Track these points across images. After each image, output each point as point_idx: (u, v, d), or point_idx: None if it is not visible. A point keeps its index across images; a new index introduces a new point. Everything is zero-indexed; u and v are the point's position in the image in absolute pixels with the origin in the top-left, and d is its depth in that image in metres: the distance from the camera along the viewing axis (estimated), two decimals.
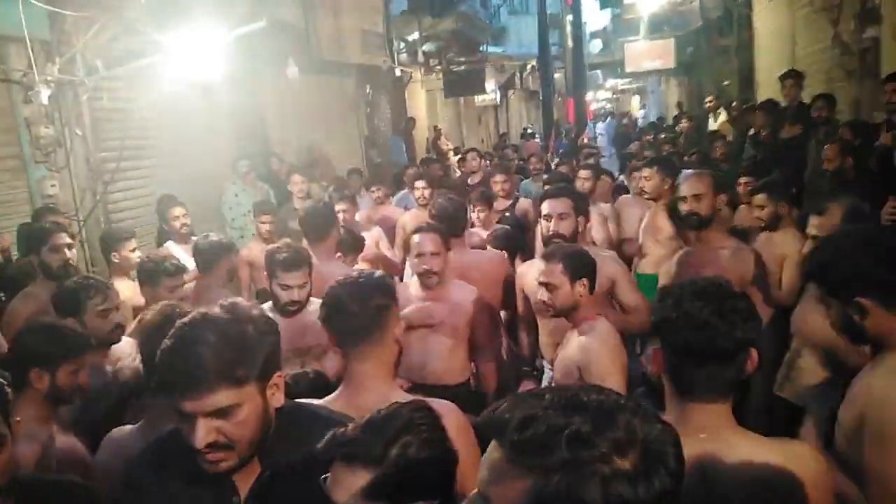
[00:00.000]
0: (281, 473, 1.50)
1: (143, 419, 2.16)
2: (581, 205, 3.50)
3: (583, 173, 6.03)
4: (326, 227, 4.08)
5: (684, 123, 12.52)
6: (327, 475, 1.28)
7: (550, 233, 3.37)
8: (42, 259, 3.69)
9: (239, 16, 6.13)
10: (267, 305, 3.14)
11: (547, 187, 4.87)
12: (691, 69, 18.31)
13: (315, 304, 3.23)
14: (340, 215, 5.02)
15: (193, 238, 4.57)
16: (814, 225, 2.97)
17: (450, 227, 3.80)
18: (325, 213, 4.21)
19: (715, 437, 1.60)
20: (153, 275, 3.60)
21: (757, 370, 1.68)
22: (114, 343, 3.03)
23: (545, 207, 3.44)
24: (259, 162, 7.73)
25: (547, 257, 2.83)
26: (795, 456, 1.58)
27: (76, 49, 5.53)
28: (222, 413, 1.40)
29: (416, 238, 3.38)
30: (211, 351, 1.39)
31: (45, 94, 5.28)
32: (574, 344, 2.75)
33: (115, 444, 2.16)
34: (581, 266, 2.76)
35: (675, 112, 17.81)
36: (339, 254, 4.32)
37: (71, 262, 3.75)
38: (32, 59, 5.16)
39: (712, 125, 11.16)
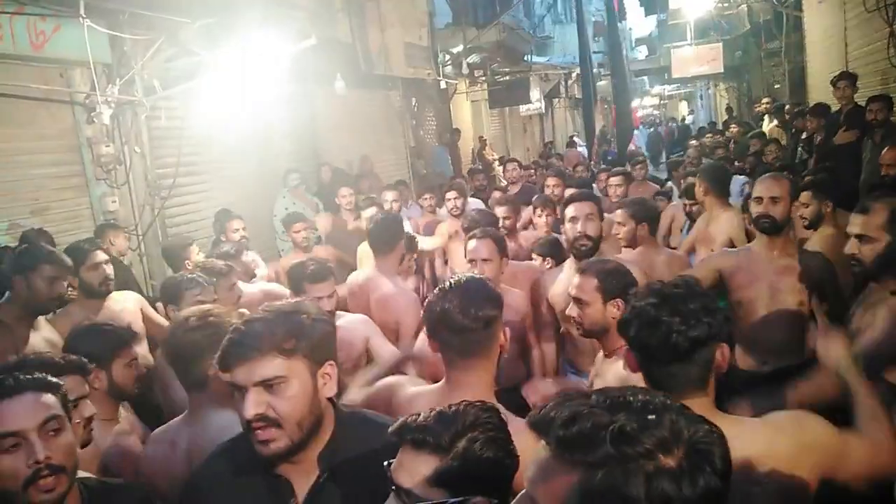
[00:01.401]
0: (338, 476, 1.53)
1: (186, 412, 2.24)
2: (601, 209, 3.51)
3: (613, 180, 6.04)
4: (394, 238, 4.06)
5: (734, 129, 12.35)
6: (391, 461, 1.32)
7: (578, 233, 3.35)
8: (82, 278, 3.75)
9: (290, 34, 6.29)
10: None
11: (570, 191, 4.85)
12: (740, 73, 18.01)
13: (344, 318, 3.31)
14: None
15: (250, 252, 4.72)
16: (856, 224, 2.78)
17: (500, 239, 3.83)
18: (393, 224, 4.18)
19: None
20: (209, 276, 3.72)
21: None
22: None
23: (570, 211, 3.41)
24: (309, 175, 7.90)
25: (582, 271, 2.66)
26: (787, 424, 1.57)
27: (135, 71, 5.75)
28: (270, 386, 1.46)
29: (471, 244, 3.39)
30: (264, 324, 1.50)
31: (106, 114, 5.51)
32: (612, 378, 2.46)
33: (161, 438, 2.24)
34: (617, 284, 2.53)
35: (725, 117, 17.54)
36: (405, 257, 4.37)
37: (110, 277, 3.82)
38: (95, 81, 5.40)
39: (764, 129, 10.98)
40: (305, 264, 3.28)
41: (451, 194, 6.22)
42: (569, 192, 5.10)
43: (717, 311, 1.65)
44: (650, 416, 0.86)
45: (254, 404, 1.45)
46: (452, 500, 1.24)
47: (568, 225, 3.42)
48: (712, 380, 1.66)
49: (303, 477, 1.54)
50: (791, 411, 1.68)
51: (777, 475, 1.53)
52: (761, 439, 1.55)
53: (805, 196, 4.06)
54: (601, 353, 2.67)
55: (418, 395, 1.97)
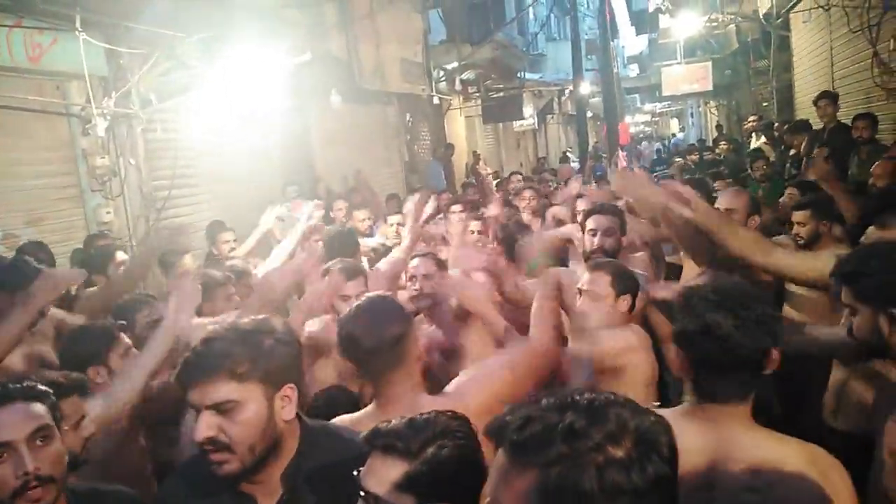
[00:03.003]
0: (304, 492, 1.53)
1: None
2: (624, 223, 3.52)
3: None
4: (349, 249, 4.08)
5: (724, 146, 12.48)
6: (361, 469, 1.33)
7: (595, 247, 3.37)
8: (110, 276, 3.90)
9: (285, 49, 6.37)
10: (321, 319, 3.19)
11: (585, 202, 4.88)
12: (729, 91, 18.20)
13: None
14: (394, 228, 5.24)
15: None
16: (873, 239, 2.81)
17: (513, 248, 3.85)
18: (347, 235, 4.24)
19: (730, 436, 1.59)
20: (207, 286, 3.75)
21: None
22: None
23: (591, 223, 3.43)
24: (306, 188, 7.95)
25: (594, 267, 2.79)
26: (816, 457, 1.56)
27: (131, 84, 5.81)
28: (223, 409, 1.44)
29: (412, 262, 3.34)
30: (220, 345, 1.48)
31: (101, 126, 5.56)
32: (609, 343, 2.61)
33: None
34: (628, 282, 2.73)
35: (715, 134, 17.72)
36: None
37: None
38: (91, 93, 5.45)
39: (753, 146, 11.10)
40: (336, 263, 3.28)
41: (455, 207, 6.28)
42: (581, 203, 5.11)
43: (773, 318, 1.66)
44: (596, 411, 0.90)
45: (205, 427, 1.44)
46: None
47: (587, 236, 3.44)
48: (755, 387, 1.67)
49: (268, 494, 1.53)
50: (823, 450, 1.63)
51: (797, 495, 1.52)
52: (796, 461, 1.54)
53: (802, 215, 4.04)
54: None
55: (355, 421, 1.95)
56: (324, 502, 1.52)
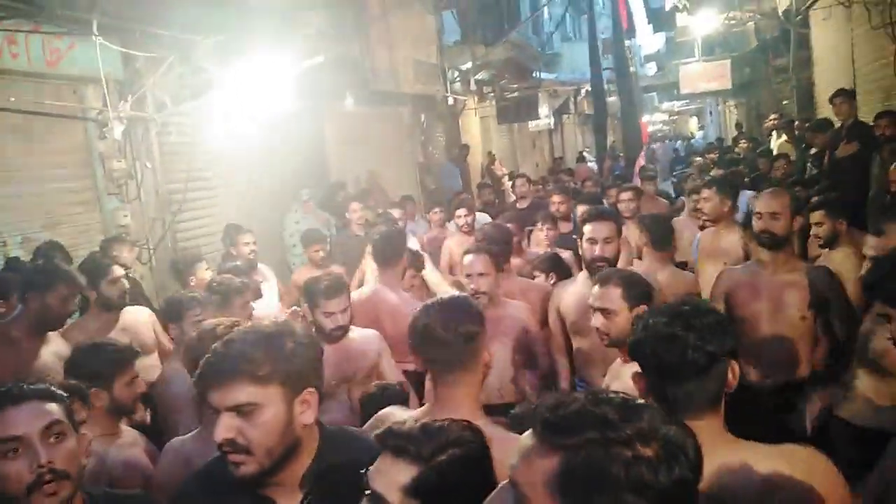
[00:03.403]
0: (323, 495, 1.53)
1: (200, 427, 2.27)
2: (620, 226, 3.46)
3: (624, 195, 6.04)
4: (397, 251, 4.11)
5: (744, 144, 12.35)
6: (369, 467, 1.32)
7: (595, 255, 3.28)
8: (101, 291, 3.86)
9: (299, 52, 6.38)
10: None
11: (583, 208, 4.80)
12: (749, 89, 18.01)
13: (357, 332, 3.33)
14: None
15: (260, 265, 4.77)
16: (871, 246, 2.84)
17: (496, 253, 3.85)
18: (396, 238, 4.22)
19: (709, 452, 1.56)
20: (225, 293, 3.78)
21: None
22: None
23: (588, 230, 3.34)
24: (319, 190, 7.97)
25: (603, 281, 2.67)
26: (799, 460, 1.53)
27: (146, 87, 5.85)
28: (242, 411, 1.45)
29: (466, 258, 3.43)
30: (241, 347, 1.48)
31: (118, 130, 5.60)
32: (627, 380, 2.54)
33: (173, 451, 2.28)
34: (641, 291, 2.60)
35: (735, 133, 17.55)
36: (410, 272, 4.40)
37: (126, 291, 3.98)
38: (107, 97, 5.49)
39: (773, 145, 10.97)
40: (320, 279, 3.31)
41: (460, 211, 6.26)
42: (581, 208, 5.11)
43: (728, 327, 1.66)
44: (630, 410, 0.92)
45: (224, 429, 1.44)
46: None
47: (585, 244, 3.35)
48: (723, 399, 1.65)
49: (287, 497, 1.53)
50: (807, 448, 1.62)
51: (786, 499, 1.51)
52: (776, 464, 1.52)
53: (818, 215, 4.03)
54: (618, 360, 2.67)
55: (405, 417, 1.96)
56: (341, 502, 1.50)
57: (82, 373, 2.52)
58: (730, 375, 1.62)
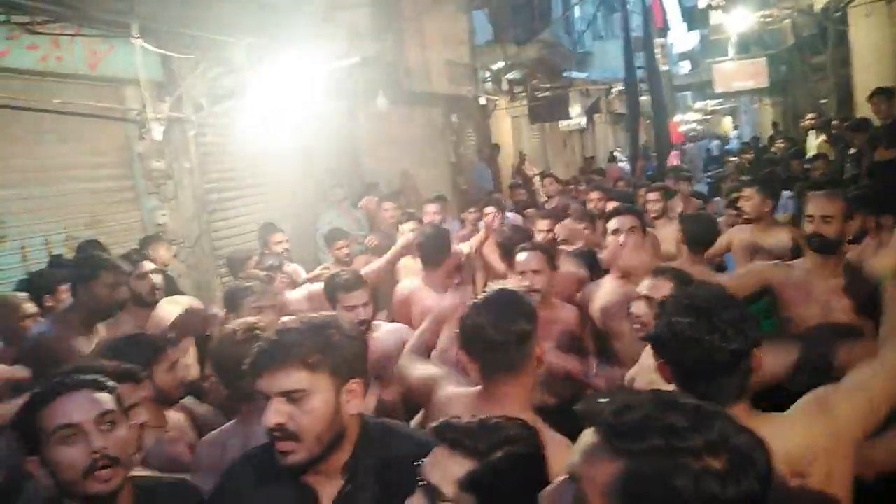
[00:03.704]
0: (362, 484, 1.56)
1: (237, 418, 2.30)
2: (643, 222, 3.58)
3: (651, 195, 6.00)
4: (443, 251, 4.11)
5: (780, 144, 12.15)
6: (423, 460, 1.34)
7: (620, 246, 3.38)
8: (131, 287, 3.88)
9: (333, 52, 6.44)
10: None
11: (612, 204, 4.86)
12: (785, 88, 17.71)
13: (381, 328, 3.36)
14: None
15: (292, 264, 4.83)
16: None
17: (509, 251, 3.85)
18: (442, 237, 4.21)
19: None
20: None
21: None
22: None
23: (613, 223, 3.48)
24: (352, 190, 8.03)
25: (657, 273, 2.77)
26: (812, 419, 1.57)
27: (183, 89, 5.95)
28: (293, 397, 1.48)
29: (520, 256, 3.40)
30: (293, 336, 1.53)
31: (157, 130, 5.70)
32: (652, 372, 2.65)
33: (212, 441, 2.32)
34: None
35: (770, 132, 17.26)
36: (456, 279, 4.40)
37: (158, 287, 3.97)
38: (146, 98, 5.59)
39: (811, 144, 10.78)
40: (339, 274, 3.36)
41: (489, 209, 6.26)
42: (611, 205, 5.11)
43: (749, 318, 1.64)
44: (700, 418, 0.89)
45: (275, 413, 1.48)
46: None
47: (610, 238, 3.45)
48: (750, 386, 1.65)
49: (328, 485, 1.56)
50: (813, 394, 1.66)
51: (819, 465, 1.53)
52: (799, 432, 1.56)
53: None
54: (647, 351, 2.65)
55: (455, 397, 1.99)
56: (382, 495, 1.54)
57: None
58: (755, 365, 1.62)
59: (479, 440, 1.30)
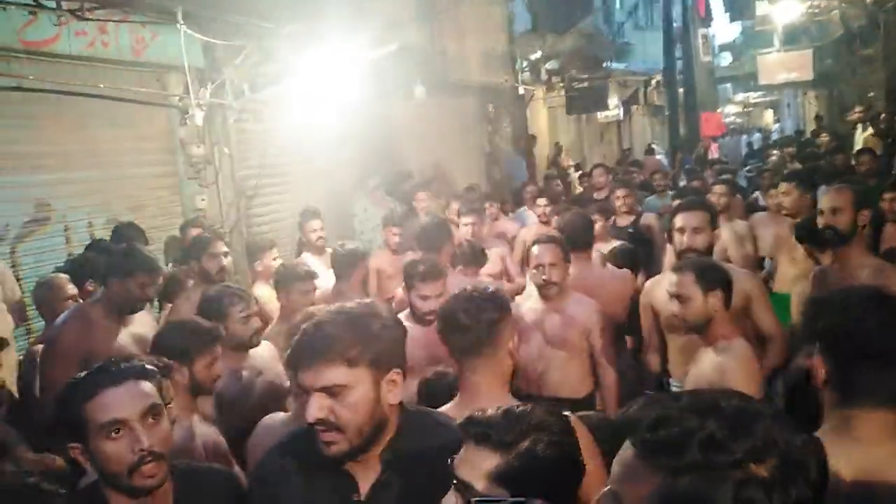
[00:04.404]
0: (400, 472, 1.56)
1: (295, 409, 2.33)
2: (715, 219, 3.43)
3: (718, 188, 5.85)
4: (441, 240, 4.16)
5: (825, 138, 11.86)
6: (455, 456, 1.33)
7: (684, 247, 3.29)
8: (202, 265, 4.03)
9: (371, 41, 6.44)
10: (404, 314, 3.23)
11: (677, 201, 4.80)
12: (831, 81, 17.27)
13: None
14: (469, 228, 5.16)
15: (328, 249, 4.85)
16: None
17: (576, 241, 3.84)
18: (440, 227, 4.28)
19: (884, 447, 1.51)
20: (287, 280, 3.85)
21: None
22: (253, 347, 3.26)
23: (679, 220, 3.37)
24: (387, 178, 8.05)
25: (678, 269, 2.78)
26: None
27: (225, 75, 6.01)
28: (333, 392, 1.49)
29: (535, 249, 3.41)
30: (331, 330, 1.52)
31: (199, 117, 5.78)
32: (708, 362, 2.64)
33: (265, 428, 2.36)
34: (714, 277, 2.67)
35: (813, 126, 16.86)
36: (459, 267, 4.41)
37: (227, 268, 4.07)
38: (189, 84, 5.67)
39: (857, 138, 10.51)
40: (418, 263, 3.41)
41: (541, 201, 6.26)
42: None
43: None
44: (742, 423, 0.83)
45: (316, 409, 1.48)
46: (511, 499, 1.23)
47: (676, 235, 3.38)
48: None
49: (366, 472, 1.56)
50: None
51: None
52: None
53: None
54: (701, 347, 2.73)
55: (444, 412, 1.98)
56: (420, 483, 1.52)
57: (167, 348, 2.59)
58: None
59: (504, 432, 1.29)
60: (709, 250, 3.30)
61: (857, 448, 1.50)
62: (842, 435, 1.53)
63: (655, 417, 0.86)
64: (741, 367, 2.53)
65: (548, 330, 3.36)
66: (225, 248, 4.13)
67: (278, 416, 2.42)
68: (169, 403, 2.11)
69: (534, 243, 3.49)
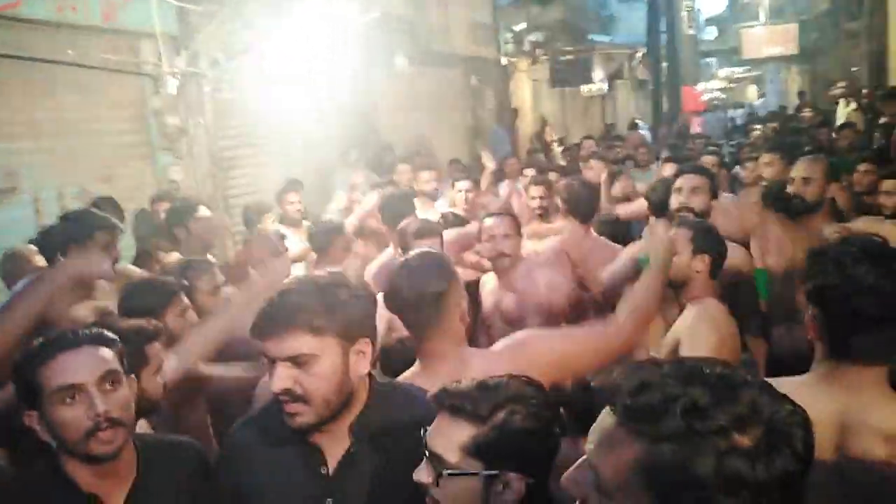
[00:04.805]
0: (369, 444, 1.53)
1: None
2: (714, 186, 3.41)
3: (707, 159, 5.79)
4: (403, 213, 4.10)
5: (808, 113, 11.86)
6: (428, 427, 1.31)
7: (680, 204, 3.27)
8: (190, 230, 3.94)
9: (352, 7, 6.30)
10: None
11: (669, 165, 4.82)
12: (815, 56, 17.29)
13: None
14: (463, 195, 5.08)
15: (305, 222, 4.76)
16: None
17: (581, 211, 3.83)
18: (403, 200, 4.20)
19: (864, 394, 1.51)
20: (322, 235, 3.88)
21: None
22: None
23: (679, 181, 3.37)
24: (367, 151, 7.93)
25: (679, 224, 2.77)
26: None
27: (199, 42, 5.84)
28: (299, 361, 1.45)
29: (487, 221, 3.34)
30: (297, 298, 1.48)
31: (172, 85, 5.63)
32: (678, 321, 2.63)
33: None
34: (708, 241, 2.64)
35: (797, 101, 16.89)
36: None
37: (218, 228, 4.15)
38: (162, 52, 5.50)
39: (840, 113, 10.51)
40: (412, 222, 3.36)
41: (528, 171, 6.16)
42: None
43: None
44: (726, 391, 0.81)
45: (281, 379, 1.45)
46: (485, 472, 1.23)
47: (673, 195, 3.38)
48: None
49: (334, 445, 1.54)
50: None
51: None
52: None
53: (891, 184, 4.04)
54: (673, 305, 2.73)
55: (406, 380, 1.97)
56: (390, 455, 1.51)
57: (134, 306, 2.55)
58: None
59: (478, 403, 1.27)
60: (704, 213, 3.27)
61: (842, 395, 1.52)
62: (829, 382, 1.55)
63: (637, 383, 0.84)
64: (709, 321, 2.51)
65: (504, 309, 3.31)
66: (209, 212, 4.09)
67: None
68: (143, 368, 2.06)
69: (486, 216, 3.44)
